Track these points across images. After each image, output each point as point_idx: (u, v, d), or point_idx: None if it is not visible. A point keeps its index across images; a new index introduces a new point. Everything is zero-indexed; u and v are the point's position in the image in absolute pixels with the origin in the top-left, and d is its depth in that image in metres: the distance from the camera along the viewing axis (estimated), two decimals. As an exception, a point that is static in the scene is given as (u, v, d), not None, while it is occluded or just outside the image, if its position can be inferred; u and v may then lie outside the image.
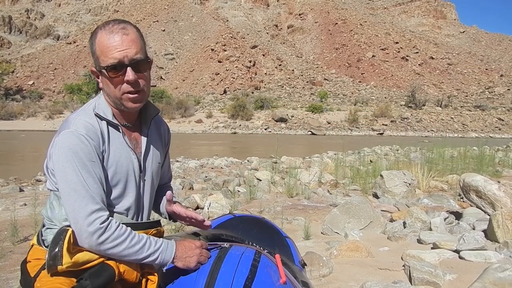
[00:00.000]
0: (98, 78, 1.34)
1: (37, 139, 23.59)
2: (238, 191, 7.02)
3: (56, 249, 1.15)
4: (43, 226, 1.34)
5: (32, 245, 1.34)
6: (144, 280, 1.34)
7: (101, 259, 1.21)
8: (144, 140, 1.42)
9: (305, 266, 2.30)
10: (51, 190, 1.32)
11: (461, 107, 55.90)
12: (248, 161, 12.99)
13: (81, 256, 1.18)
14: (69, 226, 1.21)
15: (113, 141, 1.32)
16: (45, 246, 1.28)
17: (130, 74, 1.27)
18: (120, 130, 1.35)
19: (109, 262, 1.22)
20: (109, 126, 1.32)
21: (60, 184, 1.21)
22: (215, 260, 1.33)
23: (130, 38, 1.28)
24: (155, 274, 1.33)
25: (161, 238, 1.29)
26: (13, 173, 10.47)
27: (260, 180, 8.04)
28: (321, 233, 4.47)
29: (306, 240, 4.09)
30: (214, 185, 7.96)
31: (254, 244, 1.80)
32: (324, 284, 2.72)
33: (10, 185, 8.30)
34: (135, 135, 1.41)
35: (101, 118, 1.31)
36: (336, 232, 4.41)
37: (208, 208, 5.49)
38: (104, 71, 1.27)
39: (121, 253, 1.19)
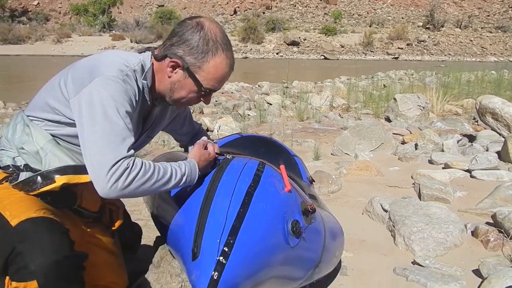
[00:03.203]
0: (174, 69, 1.28)
1: (49, 64, 23.42)
2: (248, 115, 6.98)
3: (36, 184, 1.16)
4: None
5: None
6: (107, 210, 1.41)
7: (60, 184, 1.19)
8: (154, 116, 1.42)
9: (313, 183, 2.31)
10: (29, 116, 1.25)
11: (481, 28, 53.00)
12: (259, 86, 12.79)
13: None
14: (51, 173, 1.18)
15: (139, 108, 1.29)
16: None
17: (210, 100, 1.38)
18: (146, 106, 1.33)
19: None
20: (142, 95, 1.28)
21: (91, 124, 1.11)
22: (216, 170, 1.31)
23: None
24: (116, 204, 1.42)
25: (181, 161, 1.25)
26: (25, 98, 10.51)
27: (271, 104, 7.95)
28: (331, 154, 4.48)
29: (315, 161, 4.11)
30: (224, 109, 7.92)
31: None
32: (332, 199, 2.76)
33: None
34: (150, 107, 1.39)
35: (141, 87, 1.26)
36: (346, 153, 4.41)
37: (217, 131, 5.52)
38: (202, 89, 1.29)
39: (152, 187, 1.14)
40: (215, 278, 1.01)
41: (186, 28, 1.26)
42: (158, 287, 1.38)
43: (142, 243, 1.95)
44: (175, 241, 1.27)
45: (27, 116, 1.25)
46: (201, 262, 1.06)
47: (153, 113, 1.40)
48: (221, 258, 1.04)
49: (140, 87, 1.25)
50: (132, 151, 1.12)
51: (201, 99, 1.35)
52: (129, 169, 1.08)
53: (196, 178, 1.26)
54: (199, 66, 1.26)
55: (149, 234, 2.02)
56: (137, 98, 1.23)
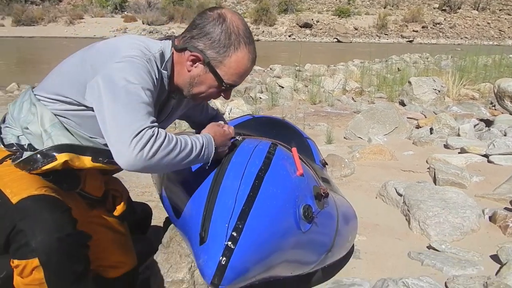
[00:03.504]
0: (194, 63, 1.22)
1: (61, 47, 23.48)
2: (260, 97, 6.92)
3: (37, 163, 1.12)
4: (3, 121, 1.25)
5: None
6: (110, 196, 1.37)
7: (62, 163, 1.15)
8: (170, 106, 1.36)
9: (326, 166, 2.27)
10: (37, 95, 1.20)
11: (499, 10, 51.30)
12: (270, 68, 12.65)
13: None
14: (50, 151, 1.13)
15: (157, 95, 1.23)
16: (3, 145, 1.19)
17: (230, 95, 1.33)
18: (163, 95, 1.28)
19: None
20: (161, 83, 1.23)
21: (113, 99, 1.05)
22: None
23: None
24: (119, 191, 1.39)
25: (198, 135, 1.19)
26: (38, 80, 10.57)
27: (283, 87, 7.87)
28: (344, 138, 4.41)
29: (328, 144, 4.05)
30: (235, 92, 7.84)
31: (272, 141, 1.72)
32: (345, 183, 2.71)
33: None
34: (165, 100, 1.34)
35: (162, 77, 1.22)
36: (359, 137, 4.35)
37: (229, 114, 5.50)
38: (223, 84, 1.25)
39: (175, 159, 1.07)
40: (223, 263, 0.98)
41: (207, 20, 1.21)
42: (168, 267, 1.36)
43: (152, 223, 1.94)
44: (183, 225, 1.24)
45: (35, 95, 1.21)
46: (209, 247, 1.03)
47: (170, 104, 1.34)
48: (229, 243, 1.00)
49: (160, 75, 1.20)
50: (156, 123, 1.07)
51: (221, 94, 1.30)
52: (154, 137, 1.02)
53: (213, 152, 1.19)
54: (221, 61, 1.21)
55: (160, 215, 2.01)
56: (157, 84, 1.18)
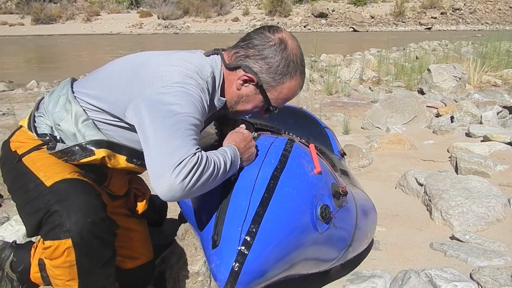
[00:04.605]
0: (245, 82, 1.23)
1: (79, 44, 23.81)
2: (275, 89, 6.85)
3: (75, 155, 1.13)
4: (37, 108, 1.23)
5: (20, 127, 1.24)
6: (132, 195, 1.37)
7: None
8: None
9: (345, 156, 2.22)
10: (76, 95, 1.19)
11: (523, -6, 49.80)
12: (286, 59, 12.56)
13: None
14: (89, 145, 1.13)
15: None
16: (36, 134, 1.18)
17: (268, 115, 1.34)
18: (211, 113, 1.25)
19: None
20: (210, 107, 1.19)
21: (161, 121, 1.01)
22: None
23: None
24: (142, 190, 1.39)
25: (221, 148, 1.13)
26: (57, 77, 10.71)
27: (299, 78, 7.79)
28: (361, 128, 4.34)
29: (345, 135, 3.99)
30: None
31: (291, 134, 1.68)
32: (363, 174, 2.65)
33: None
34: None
35: (213, 100, 1.20)
36: (377, 127, 4.26)
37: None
38: (270, 107, 1.28)
39: (214, 181, 1.03)
40: (236, 269, 0.94)
41: (267, 43, 1.20)
42: (183, 260, 1.35)
43: (168, 217, 1.93)
44: (196, 226, 1.21)
45: (73, 92, 1.20)
46: (222, 251, 0.99)
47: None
48: (242, 248, 0.97)
49: (212, 100, 1.18)
50: (199, 148, 1.02)
51: (261, 112, 1.31)
52: (197, 164, 0.97)
53: (239, 162, 1.13)
54: (274, 86, 1.23)
55: (176, 208, 2.00)
56: (207, 110, 1.14)
